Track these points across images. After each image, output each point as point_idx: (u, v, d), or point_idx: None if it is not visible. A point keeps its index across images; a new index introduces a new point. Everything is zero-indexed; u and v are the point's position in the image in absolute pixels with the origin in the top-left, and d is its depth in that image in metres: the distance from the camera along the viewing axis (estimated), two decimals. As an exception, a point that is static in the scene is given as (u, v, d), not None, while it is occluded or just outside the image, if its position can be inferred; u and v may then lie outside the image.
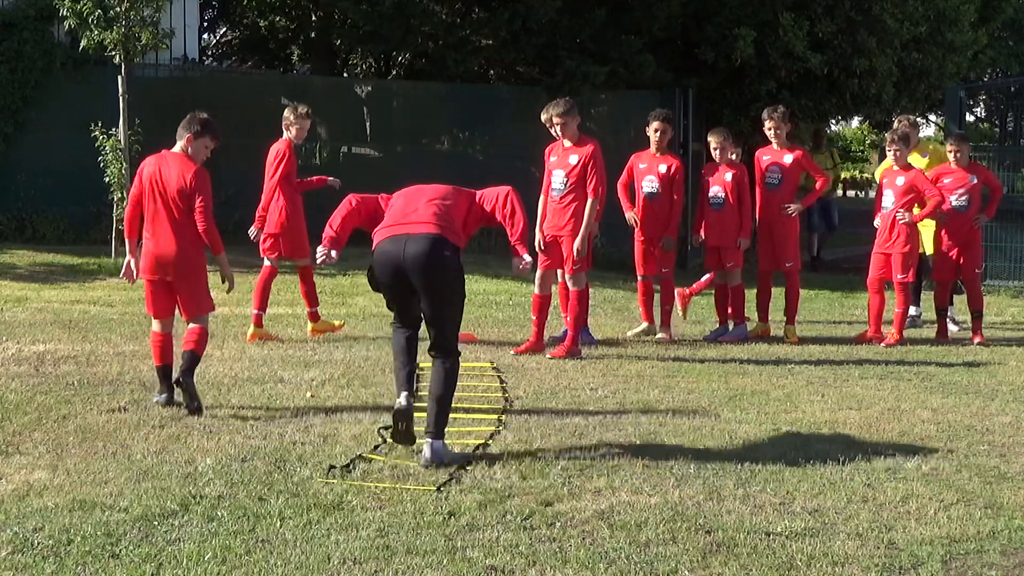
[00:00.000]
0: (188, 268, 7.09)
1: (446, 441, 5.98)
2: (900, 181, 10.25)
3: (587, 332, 9.87)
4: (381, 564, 4.44)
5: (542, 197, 9.47)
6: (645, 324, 10.43)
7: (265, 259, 9.82)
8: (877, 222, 10.47)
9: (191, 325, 7.13)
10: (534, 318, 9.44)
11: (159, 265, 7.07)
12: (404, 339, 6.23)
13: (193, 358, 7.01)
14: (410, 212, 6.18)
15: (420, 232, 6.01)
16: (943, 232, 10.65)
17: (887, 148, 10.58)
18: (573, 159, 9.22)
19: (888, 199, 10.31)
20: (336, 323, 10.10)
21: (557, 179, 9.30)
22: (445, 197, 6.32)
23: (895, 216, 10.20)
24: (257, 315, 9.66)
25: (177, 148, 7.27)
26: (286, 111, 9.92)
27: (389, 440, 6.19)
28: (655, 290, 10.52)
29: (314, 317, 9.95)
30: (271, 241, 9.77)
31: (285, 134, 9.83)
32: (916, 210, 10.23)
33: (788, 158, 10.45)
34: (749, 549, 4.68)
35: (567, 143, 9.30)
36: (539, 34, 17.65)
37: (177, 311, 7.23)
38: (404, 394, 5.98)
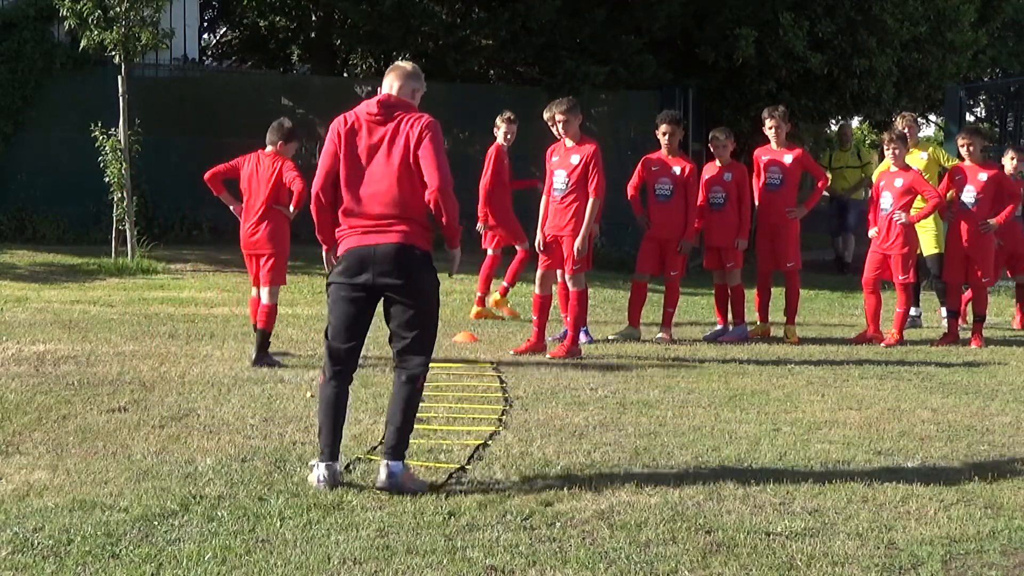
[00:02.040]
0: (273, 245, 8.67)
1: (408, 464, 5.47)
2: (899, 183, 10.21)
3: (586, 332, 9.86)
4: (381, 564, 4.43)
5: (543, 197, 9.46)
6: (628, 327, 10.33)
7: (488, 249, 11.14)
8: (872, 232, 10.40)
9: (263, 302, 8.67)
10: (535, 318, 9.43)
11: (251, 242, 8.73)
12: (336, 393, 5.52)
13: (264, 336, 8.59)
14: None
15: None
16: (954, 231, 10.46)
17: (885, 147, 10.49)
18: (575, 159, 9.22)
19: (886, 200, 10.25)
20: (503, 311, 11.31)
21: (559, 179, 9.29)
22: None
23: (892, 217, 10.16)
24: (480, 297, 11.26)
25: (268, 149, 8.83)
26: (498, 118, 11.01)
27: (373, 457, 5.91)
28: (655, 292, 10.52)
29: (480, 303, 11.27)
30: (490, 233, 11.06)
31: (497, 139, 10.91)
32: (913, 210, 10.21)
33: (788, 157, 10.43)
34: (749, 549, 4.68)
35: (569, 143, 9.30)
36: (539, 34, 17.65)
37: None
38: (328, 462, 5.41)
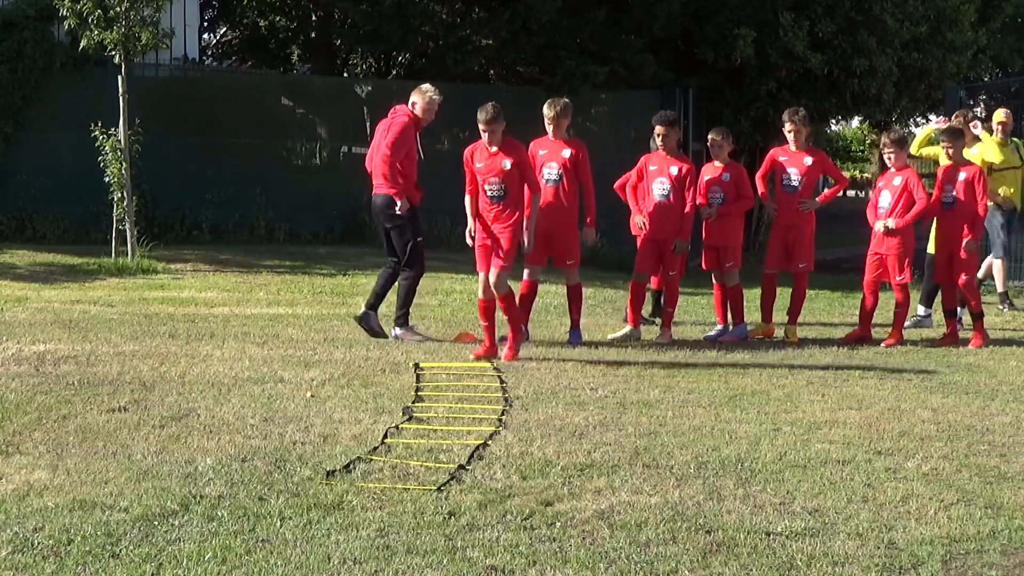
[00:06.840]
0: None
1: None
2: (897, 181, 10.21)
3: (577, 333, 9.80)
4: (381, 564, 4.44)
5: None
6: (629, 328, 10.26)
7: None
8: (879, 226, 10.39)
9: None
10: (506, 318, 9.25)
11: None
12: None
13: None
14: None
15: None
16: (938, 233, 10.50)
17: (881, 150, 10.45)
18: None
19: (885, 199, 10.25)
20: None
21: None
22: None
23: (887, 221, 10.14)
24: None
25: None
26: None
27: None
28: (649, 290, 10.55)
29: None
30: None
31: None
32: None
33: (807, 160, 10.41)
34: (749, 549, 4.68)
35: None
36: (539, 34, 17.67)
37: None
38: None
